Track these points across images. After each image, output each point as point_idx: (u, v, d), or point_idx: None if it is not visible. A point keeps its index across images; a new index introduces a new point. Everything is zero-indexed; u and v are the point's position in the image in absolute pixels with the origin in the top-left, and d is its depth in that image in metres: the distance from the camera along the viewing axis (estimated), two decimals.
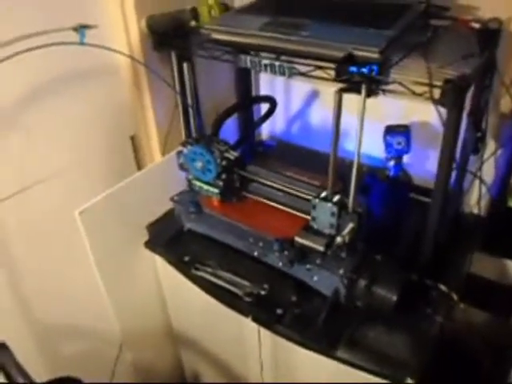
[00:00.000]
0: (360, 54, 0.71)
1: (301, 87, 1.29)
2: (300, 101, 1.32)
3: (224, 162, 0.85)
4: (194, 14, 0.93)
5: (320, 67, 0.77)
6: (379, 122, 1.00)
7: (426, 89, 0.71)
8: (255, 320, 0.91)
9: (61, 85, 0.95)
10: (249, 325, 0.93)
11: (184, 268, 1.01)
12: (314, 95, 1.29)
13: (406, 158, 1.02)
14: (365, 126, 0.73)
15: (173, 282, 1.12)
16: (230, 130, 1.23)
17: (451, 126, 0.74)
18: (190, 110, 0.91)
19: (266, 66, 0.78)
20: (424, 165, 1.15)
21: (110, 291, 1.08)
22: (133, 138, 1.17)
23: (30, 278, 1.05)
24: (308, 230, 0.82)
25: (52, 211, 1.03)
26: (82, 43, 0.76)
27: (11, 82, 0.85)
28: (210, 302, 0.96)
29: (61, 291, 1.12)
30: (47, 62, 0.86)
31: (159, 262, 1.14)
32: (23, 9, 0.79)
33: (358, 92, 0.72)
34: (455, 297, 0.89)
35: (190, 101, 0.87)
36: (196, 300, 1.03)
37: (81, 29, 0.75)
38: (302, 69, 0.78)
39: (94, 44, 0.79)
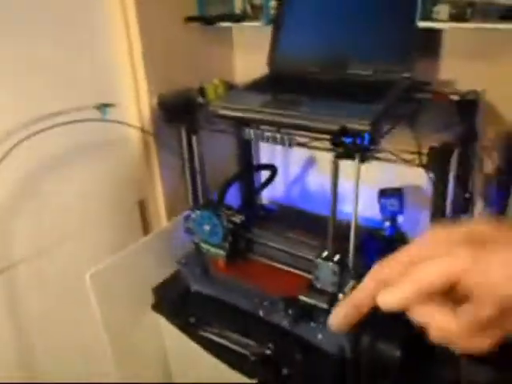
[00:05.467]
0: (353, 126, 0.79)
1: (298, 154, 1.37)
2: (298, 167, 1.40)
3: (230, 225, 0.91)
4: (201, 91, 1.02)
5: (317, 138, 0.85)
6: (374, 185, 1.07)
7: (413, 156, 0.79)
8: (261, 382, 0.92)
9: (76, 155, 1.02)
10: None
11: (190, 330, 1.03)
12: (310, 162, 1.37)
13: (400, 219, 1.08)
14: (361, 189, 0.80)
15: (178, 343, 1.13)
16: (232, 195, 1.30)
17: (438, 188, 0.81)
18: (198, 179, 0.98)
19: (268, 137, 0.87)
20: (418, 224, 1.21)
21: (115, 352, 1.10)
22: (140, 203, 1.23)
23: (38, 335, 1.07)
24: (311, 288, 0.86)
25: (62, 274, 1.08)
26: (104, 120, 0.85)
27: (34, 154, 0.93)
28: (215, 365, 0.98)
29: (67, 350, 1.13)
30: (66, 135, 0.94)
31: (164, 324, 1.15)
32: (50, 89, 0.89)
33: (352, 158, 0.80)
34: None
35: (198, 169, 0.94)
36: (200, 362, 1.04)
37: (103, 107, 0.83)
38: (301, 139, 0.87)
39: (114, 120, 0.88)
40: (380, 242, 1.07)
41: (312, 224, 1.18)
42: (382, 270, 0.30)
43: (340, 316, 0.31)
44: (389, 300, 0.28)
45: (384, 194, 1.05)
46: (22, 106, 0.87)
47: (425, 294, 0.27)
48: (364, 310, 0.31)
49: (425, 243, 0.29)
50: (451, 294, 0.28)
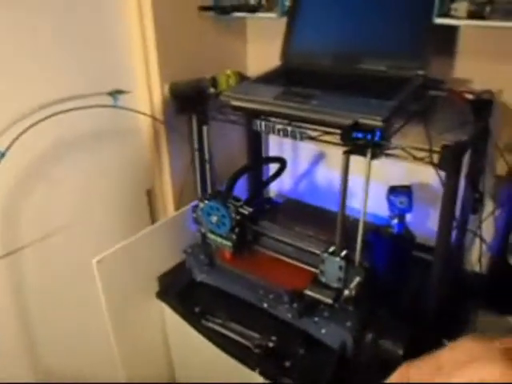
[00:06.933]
0: (365, 121, 0.78)
1: (307, 149, 1.37)
2: (306, 161, 1.40)
3: (238, 217, 0.91)
4: (213, 82, 1.02)
5: (328, 132, 0.85)
6: (383, 182, 1.06)
7: (425, 153, 0.78)
8: (262, 374, 0.92)
9: (86, 142, 1.03)
10: (254, 379, 0.94)
11: (193, 319, 1.03)
12: (319, 156, 1.37)
13: (408, 217, 1.07)
14: (370, 186, 0.80)
15: (180, 333, 1.13)
16: (240, 187, 1.31)
17: (449, 187, 0.80)
18: (207, 169, 0.98)
19: (279, 130, 0.86)
20: (426, 223, 1.20)
21: (118, 339, 1.10)
22: (148, 192, 1.24)
23: (41, 322, 1.08)
24: (316, 283, 0.86)
25: (67, 260, 1.09)
26: (115, 106, 0.85)
27: (45, 138, 0.93)
28: (216, 354, 0.98)
29: (70, 337, 1.14)
30: (77, 120, 0.94)
31: (168, 312, 1.16)
32: (65, 74, 0.89)
33: (363, 154, 0.79)
34: None
35: (207, 159, 0.94)
36: (202, 352, 1.05)
37: (115, 94, 0.83)
38: (312, 133, 0.86)
39: (125, 107, 0.88)
40: (387, 240, 1.06)
41: (319, 219, 1.18)
42: (409, 369, 0.29)
43: None
44: None
45: (393, 191, 1.04)
46: (36, 90, 0.87)
47: None
48: None
49: (458, 349, 0.28)
50: None
